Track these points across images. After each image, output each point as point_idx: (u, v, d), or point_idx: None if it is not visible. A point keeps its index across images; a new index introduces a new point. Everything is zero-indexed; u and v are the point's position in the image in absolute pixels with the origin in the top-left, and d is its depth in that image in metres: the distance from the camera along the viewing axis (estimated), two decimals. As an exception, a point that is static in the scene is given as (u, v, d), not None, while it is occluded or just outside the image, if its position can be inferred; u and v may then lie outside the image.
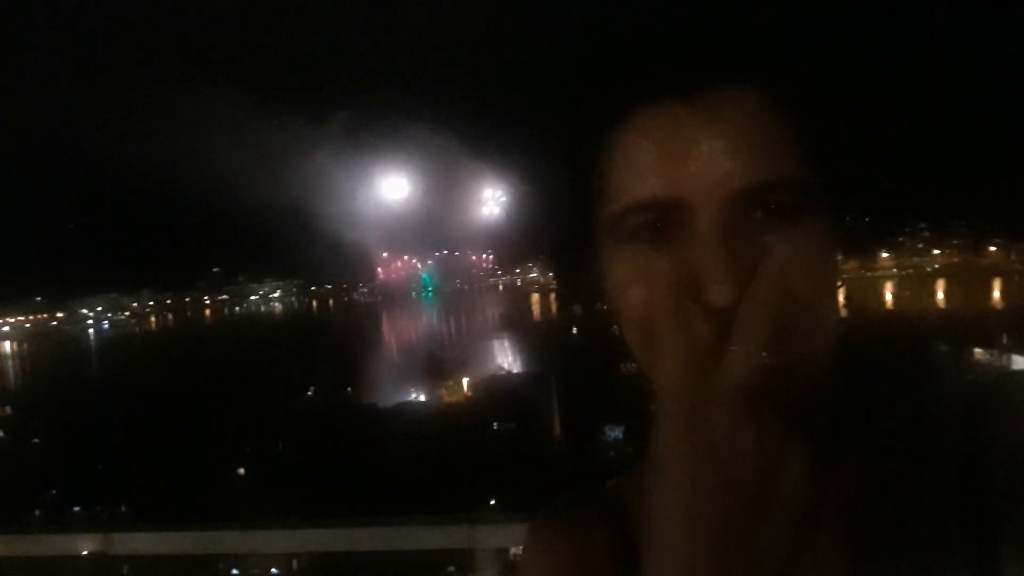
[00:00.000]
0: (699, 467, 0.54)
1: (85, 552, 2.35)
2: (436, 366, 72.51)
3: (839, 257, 0.65)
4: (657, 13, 0.69)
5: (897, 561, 0.61)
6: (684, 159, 0.60)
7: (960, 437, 0.64)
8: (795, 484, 0.55)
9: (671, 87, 0.61)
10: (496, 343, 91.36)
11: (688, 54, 0.63)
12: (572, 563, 0.78)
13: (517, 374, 70.26)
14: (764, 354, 0.54)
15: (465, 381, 66.83)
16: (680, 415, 0.55)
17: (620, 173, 0.64)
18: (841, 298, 0.64)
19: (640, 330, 0.63)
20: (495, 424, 51.94)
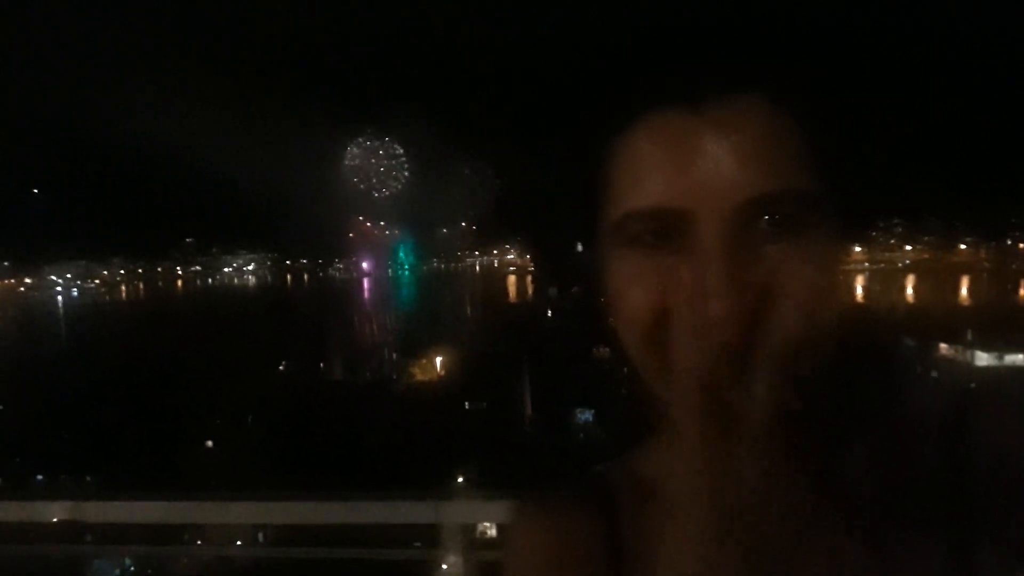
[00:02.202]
0: (713, 492, 0.55)
1: (56, 519, 2.37)
2: (409, 344, 72.33)
3: (840, 265, 0.65)
4: (664, 20, 0.68)
5: (888, 554, 0.63)
6: (689, 168, 0.59)
7: (950, 439, 0.65)
8: (802, 498, 0.57)
9: (679, 95, 0.60)
10: (471, 323, 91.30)
11: (697, 62, 0.62)
12: (560, 544, 0.78)
13: (490, 355, 70.33)
14: (778, 389, 0.55)
15: (438, 360, 66.75)
16: (693, 439, 0.56)
17: (624, 178, 0.63)
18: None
19: (637, 331, 0.64)
20: (467, 403, 52.01)
